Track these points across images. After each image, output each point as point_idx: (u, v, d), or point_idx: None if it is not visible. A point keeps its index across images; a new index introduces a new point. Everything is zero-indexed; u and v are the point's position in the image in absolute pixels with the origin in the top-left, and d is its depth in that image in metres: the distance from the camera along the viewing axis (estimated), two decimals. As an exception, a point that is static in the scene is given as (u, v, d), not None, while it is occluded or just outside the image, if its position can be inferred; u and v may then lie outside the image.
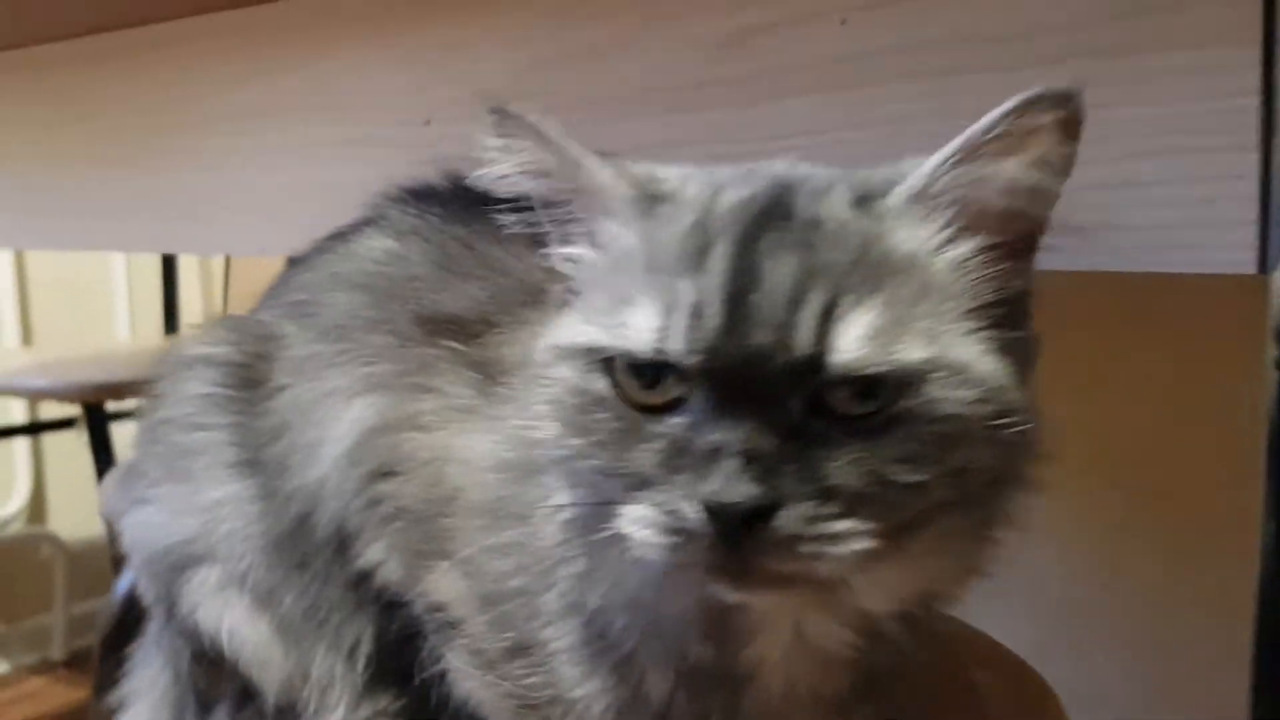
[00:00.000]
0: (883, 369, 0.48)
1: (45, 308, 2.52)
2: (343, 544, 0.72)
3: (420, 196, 0.79)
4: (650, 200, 0.55)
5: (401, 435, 0.68)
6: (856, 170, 0.56)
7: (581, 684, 0.60)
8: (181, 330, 2.43)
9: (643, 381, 0.51)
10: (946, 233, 0.52)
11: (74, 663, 2.44)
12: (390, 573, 0.70)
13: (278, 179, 1.10)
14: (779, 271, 0.49)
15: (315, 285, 0.79)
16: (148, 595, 0.84)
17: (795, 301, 0.48)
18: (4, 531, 2.47)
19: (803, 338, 0.48)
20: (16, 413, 2.47)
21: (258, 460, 0.76)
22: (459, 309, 0.71)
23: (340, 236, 0.81)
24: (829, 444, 0.48)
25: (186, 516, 0.78)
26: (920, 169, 0.53)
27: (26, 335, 2.49)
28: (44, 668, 2.45)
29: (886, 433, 0.48)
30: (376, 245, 0.77)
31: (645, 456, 0.50)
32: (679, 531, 0.47)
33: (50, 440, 2.50)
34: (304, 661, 0.75)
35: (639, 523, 0.49)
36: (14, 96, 1.33)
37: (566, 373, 0.53)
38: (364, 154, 1.01)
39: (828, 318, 0.48)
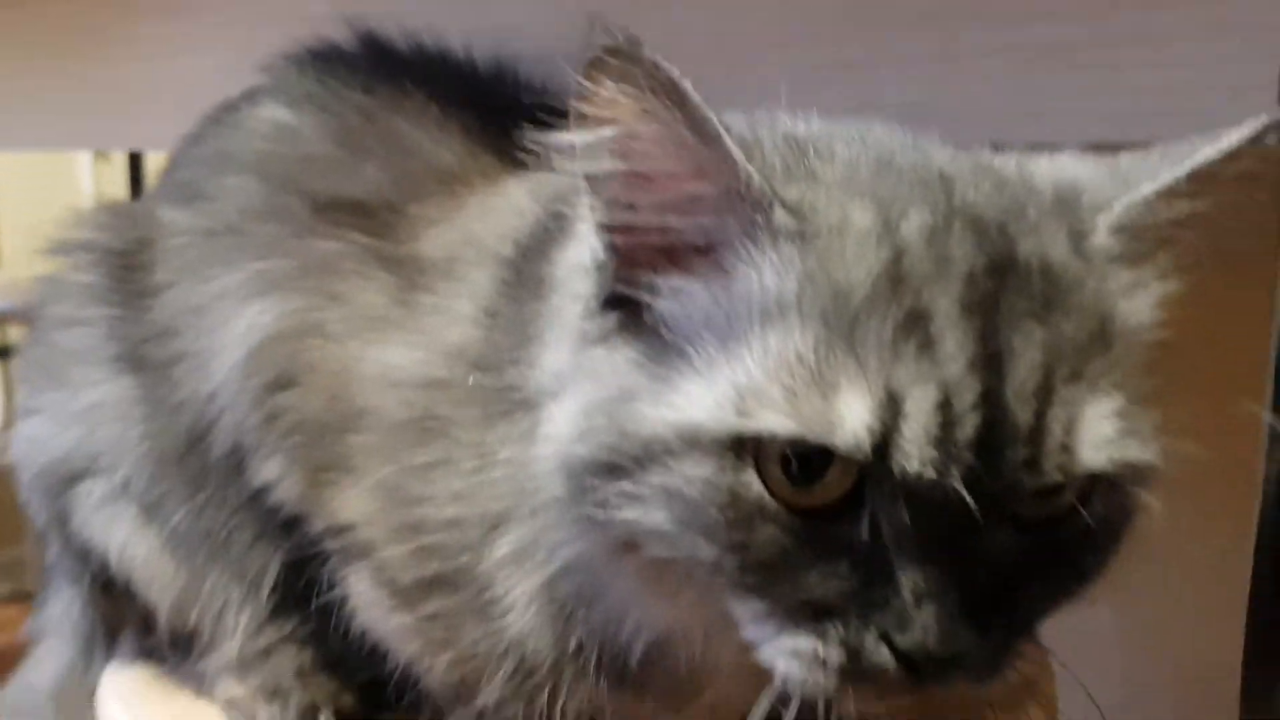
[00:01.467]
0: (1117, 473, 0.39)
1: (13, 229, 2.43)
2: (240, 463, 0.64)
3: (322, 58, 0.70)
4: (803, 219, 0.40)
5: (303, 343, 0.60)
6: (1016, 165, 0.46)
7: (523, 634, 0.52)
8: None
9: (792, 474, 0.38)
10: (1152, 283, 0.43)
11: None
12: (288, 490, 0.61)
13: (213, 62, 1.00)
14: (1028, 357, 0.38)
15: (201, 162, 0.70)
16: (40, 516, 0.76)
17: (1046, 401, 0.38)
18: (-26, 459, 2.41)
19: (1054, 453, 0.38)
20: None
21: (139, 358, 0.67)
22: (360, 193, 0.62)
23: (231, 106, 0.71)
24: (1024, 569, 0.39)
25: (68, 426, 0.70)
26: (1134, 195, 0.42)
27: (-8, 258, 2.41)
28: (18, 597, 2.41)
29: (1077, 540, 0.40)
30: (267, 116, 0.67)
31: (816, 582, 0.38)
32: (856, 674, 0.38)
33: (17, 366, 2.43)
34: (195, 583, 0.68)
35: (800, 656, 0.39)
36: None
37: (700, 469, 0.39)
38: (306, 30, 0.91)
39: (1077, 421, 0.38)
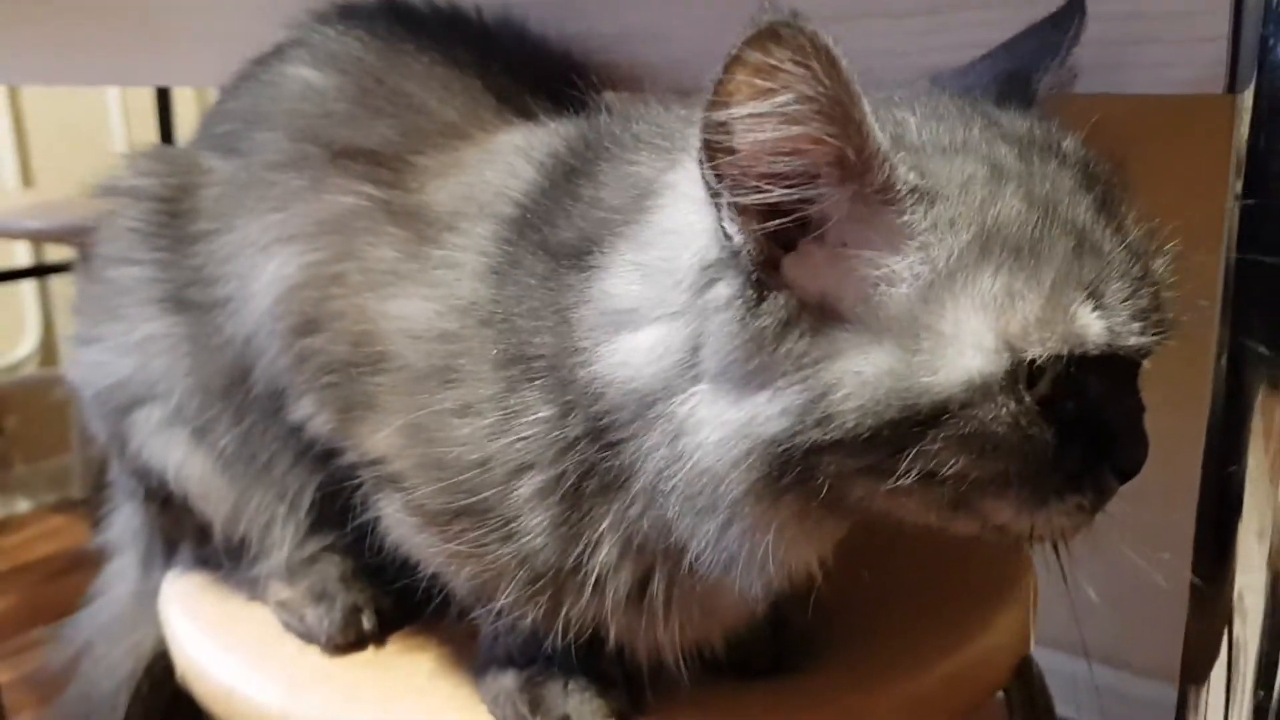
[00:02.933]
0: None
1: (43, 149, 2.48)
2: (276, 396, 0.70)
3: (347, 16, 0.74)
4: (931, 180, 0.47)
5: (326, 291, 0.65)
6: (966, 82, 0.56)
7: (535, 551, 0.58)
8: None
9: (1038, 384, 0.47)
10: None
11: (93, 500, 2.49)
12: (321, 425, 0.68)
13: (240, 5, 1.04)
14: (1138, 236, 0.49)
15: (238, 115, 0.75)
16: (101, 436, 0.83)
17: (1158, 259, 0.50)
18: (17, 374, 2.49)
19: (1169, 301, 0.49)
20: (22, 255, 2.46)
21: (184, 299, 0.73)
22: (372, 144, 0.67)
23: (265, 62, 0.76)
24: None
25: (124, 355, 0.76)
26: None
27: (26, 177, 2.46)
28: (65, 506, 2.51)
29: None
30: (294, 74, 0.72)
31: (1066, 456, 0.48)
32: (1097, 503, 0.50)
33: (58, 283, 2.49)
34: (244, 500, 0.75)
35: (1070, 513, 0.50)
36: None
37: (991, 407, 0.46)
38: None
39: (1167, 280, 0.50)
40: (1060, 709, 0.82)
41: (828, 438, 0.46)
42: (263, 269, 0.67)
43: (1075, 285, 0.46)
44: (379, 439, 0.63)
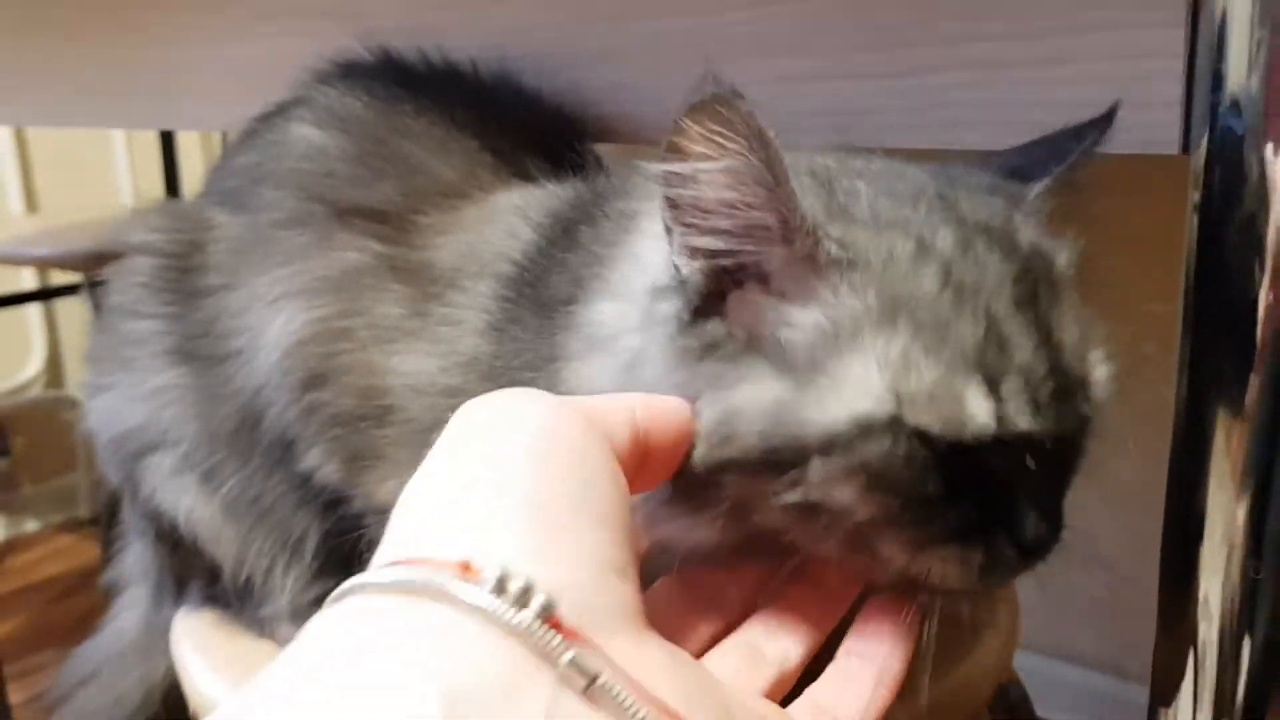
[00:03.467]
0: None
1: (48, 175, 2.51)
2: (286, 447, 0.73)
3: (348, 75, 0.78)
4: (853, 251, 0.50)
5: (333, 347, 0.68)
6: (958, 169, 0.58)
7: None
8: (182, 198, 2.44)
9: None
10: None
11: (100, 520, 2.52)
12: (329, 474, 0.71)
13: (242, 53, 1.08)
14: (1068, 330, 0.51)
15: (245, 172, 0.78)
16: (114, 478, 0.86)
17: (1083, 357, 0.52)
18: (24, 395, 2.53)
19: (1094, 393, 0.52)
20: (28, 279, 2.50)
21: (192, 352, 0.76)
22: (376, 203, 0.70)
23: (269, 120, 0.79)
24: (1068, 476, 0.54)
25: (136, 403, 0.79)
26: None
27: (30, 202, 2.50)
28: (72, 525, 2.54)
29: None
30: (298, 133, 0.76)
31: (960, 510, 0.50)
32: (988, 568, 0.51)
33: (62, 305, 2.53)
34: (249, 543, 0.77)
35: (953, 561, 0.51)
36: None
37: (879, 444, 0.48)
38: (317, 26, 0.98)
39: (1097, 367, 0.52)
40: (1047, 712, 0.84)
41: (726, 456, 0.50)
42: (270, 323, 0.70)
43: (970, 369, 0.48)
44: (386, 488, 0.66)
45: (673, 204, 0.50)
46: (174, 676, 0.84)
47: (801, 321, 0.50)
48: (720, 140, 0.47)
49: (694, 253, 0.51)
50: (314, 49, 0.95)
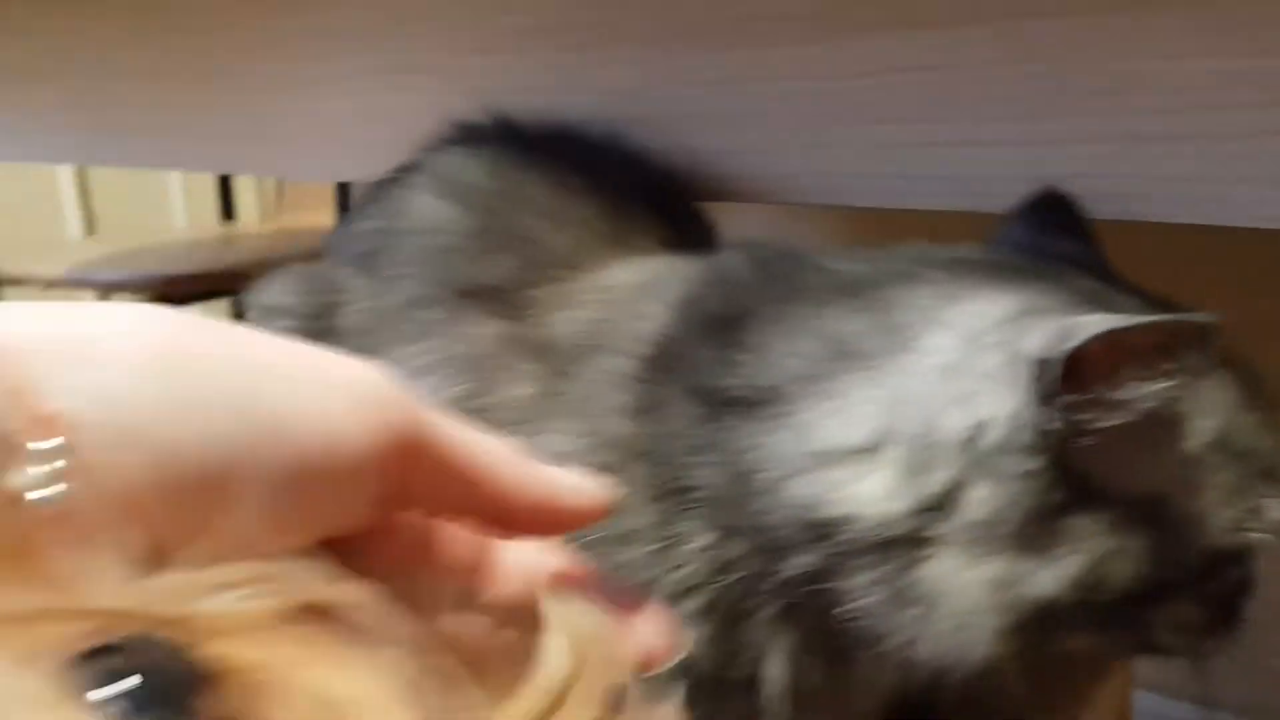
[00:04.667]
0: None
1: (106, 197, 2.55)
2: None
3: (466, 141, 0.80)
4: None
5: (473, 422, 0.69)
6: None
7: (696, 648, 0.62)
8: (238, 221, 2.47)
9: None
10: None
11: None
12: None
13: (333, 105, 1.10)
14: None
15: (371, 238, 0.82)
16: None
17: None
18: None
19: None
20: (83, 300, 2.53)
21: None
22: (494, 280, 0.72)
23: (389, 186, 0.83)
24: None
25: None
26: None
27: (90, 226, 2.53)
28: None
29: None
30: (420, 206, 0.79)
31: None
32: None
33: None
34: None
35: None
36: (72, 12, 1.33)
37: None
38: (422, 82, 1.01)
39: None
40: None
41: (1091, 598, 0.53)
42: None
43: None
44: None
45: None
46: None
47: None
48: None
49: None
50: (416, 104, 0.98)
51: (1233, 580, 0.56)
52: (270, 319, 0.83)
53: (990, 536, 0.53)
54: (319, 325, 0.81)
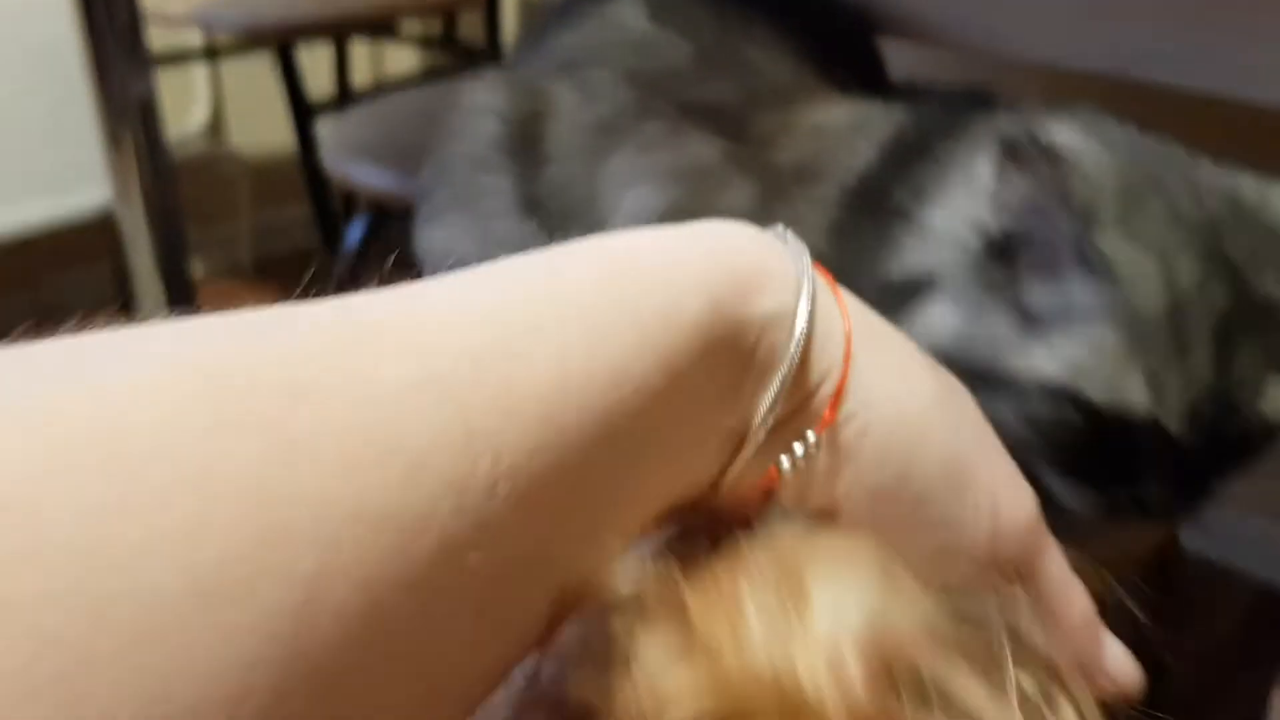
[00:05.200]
0: None
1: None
2: None
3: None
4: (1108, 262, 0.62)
5: None
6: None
7: None
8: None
9: None
10: None
11: (259, 267, 2.73)
12: None
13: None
14: (1241, 369, 0.64)
15: (579, 50, 0.87)
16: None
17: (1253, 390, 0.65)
18: (187, 150, 2.67)
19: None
20: (193, 37, 2.59)
21: (543, 209, 0.88)
22: (717, 100, 0.79)
23: (584, 3, 0.88)
24: None
25: (475, 242, 0.93)
26: None
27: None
28: (234, 271, 2.73)
29: None
30: (630, 21, 0.84)
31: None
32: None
33: (227, 64, 2.64)
34: None
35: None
36: None
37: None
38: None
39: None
40: None
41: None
42: (624, 202, 0.81)
43: (1149, 374, 0.62)
44: None
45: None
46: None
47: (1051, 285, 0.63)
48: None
49: None
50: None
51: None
52: (478, 118, 0.92)
53: None
54: (525, 131, 0.89)
